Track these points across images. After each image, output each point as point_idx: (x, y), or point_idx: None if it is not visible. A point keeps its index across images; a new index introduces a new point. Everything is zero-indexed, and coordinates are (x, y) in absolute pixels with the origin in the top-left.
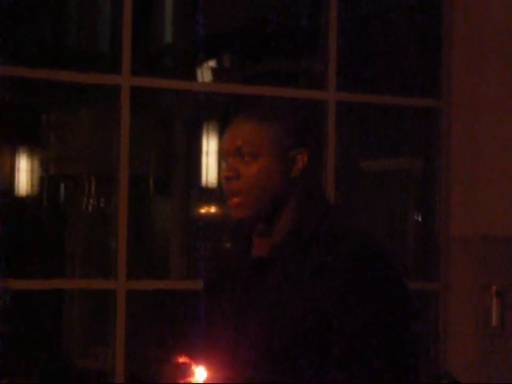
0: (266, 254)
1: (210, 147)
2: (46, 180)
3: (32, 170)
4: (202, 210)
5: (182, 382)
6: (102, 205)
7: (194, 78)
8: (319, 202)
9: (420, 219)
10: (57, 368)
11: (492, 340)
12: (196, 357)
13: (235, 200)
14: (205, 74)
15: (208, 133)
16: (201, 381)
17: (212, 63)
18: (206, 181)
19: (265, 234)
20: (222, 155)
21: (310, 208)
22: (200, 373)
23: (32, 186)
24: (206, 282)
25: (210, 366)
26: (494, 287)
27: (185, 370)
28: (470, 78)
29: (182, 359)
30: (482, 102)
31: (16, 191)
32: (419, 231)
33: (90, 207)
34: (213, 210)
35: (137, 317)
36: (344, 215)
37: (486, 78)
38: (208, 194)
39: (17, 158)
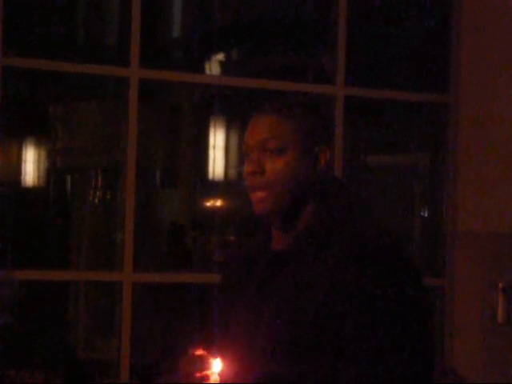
0: (286, 248)
1: (217, 140)
2: (53, 172)
3: (39, 162)
4: (209, 203)
5: (198, 374)
6: (108, 197)
7: (202, 70)
8: (340, 198)
9: (427, 214)
10: (62, 359)
11: (498, 336)
12: (212, 348)
13: (259, 194)
14: (213, 66)
15: (216, 126)
16: (216, 372)
17: (220, 56)
18: (213, 173)
19: (284, 229)
20: (245, 150)
21: (330, 204)
22: (216, 364)
23: (39, 177)
24: (225, 274)
25: (226, 357)
26: (501, 283)
27: (201, 363)
28: (478, 72)
29: (198, 352)
30: (491, 97)
31: (23, 183)
32: (426, 226)
33: (96, 199)
34: (219, 202)
35: (143, 309)
36: (366, 212)
37: (495, 72)
38: (215, 187)
39: (24, 150)
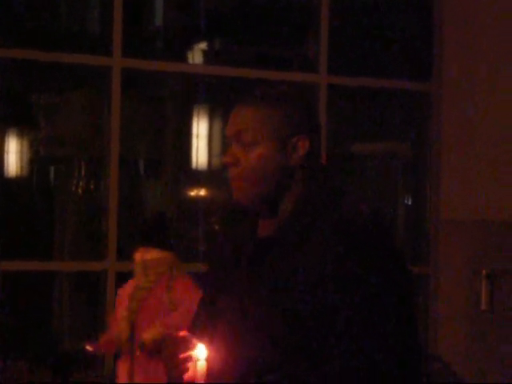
0: (271, 234)
1: (200, 129)
2: (36, 162)
3: (22, 152)
4: (192, 192)
5: (182, 355)
6: (92, 186)
7: (185, 59)
8: (324, 186)
9: (410, 203)
10: (47, 349)
11: (481, 323)
12: (199, 335)
13: (236, 184)
14: (196, 56)
15: (199, 115)
16: (203, 358)
17: (203, 45)
18: (197, 163)
19: (269, 216)
20: (226, 140)
21: (314, 190)
22: (202, 350)
23: (22, 167)
24: (211, 262)
25: (213, 344)
26: (484, 271)
27: (185, 344)
28: (461, 61)
29: (182, 333)
30: (473, 86)
31: (6, 173)
32: (409, 215)
33: (80, 189)
34: (203, 192)
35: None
36: (352, 199)
37: (477, 61)
38: (198, 176)
39: (7, 140)
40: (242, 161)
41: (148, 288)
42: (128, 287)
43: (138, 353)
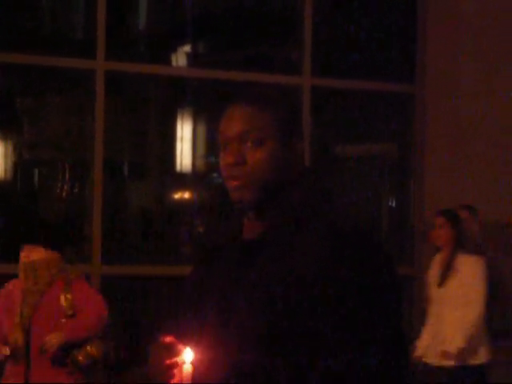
0: (258, 237)
1: (184, 132)
2: (19, 165)
3: (5, 155)
4: (176, 195)
5: (167, 362)
6: (76, 190)
7: (169, 62)
8: (315, 187)
9: (395, 205)
10: None
11: None
12: (183, 338)
13: (237, 182)
14: (180, 58)
15: (183, 117)
16: (188, 361)
17: (187, 48)
18: (181, 166)
19: (257, 218)
20: (222, 140)
21: (307, 193)
22: (187, 354)
23: (5, 171)
24: (196, 264)
25: (197, 347)
26: None
27: (171, 350)
28: (444, 63)
29: (167, 339)
30: (457, 88)
31: None
32: (394, 216)
33: (64, 192)
34: (187, 194)
35: (111, 301)
36: (343, 200)
37: (461, 63)
38: (182, 179)
39: None
40: (248, 160)
41: (40, 291)
42: (10, 286)
43: (37, 359)
